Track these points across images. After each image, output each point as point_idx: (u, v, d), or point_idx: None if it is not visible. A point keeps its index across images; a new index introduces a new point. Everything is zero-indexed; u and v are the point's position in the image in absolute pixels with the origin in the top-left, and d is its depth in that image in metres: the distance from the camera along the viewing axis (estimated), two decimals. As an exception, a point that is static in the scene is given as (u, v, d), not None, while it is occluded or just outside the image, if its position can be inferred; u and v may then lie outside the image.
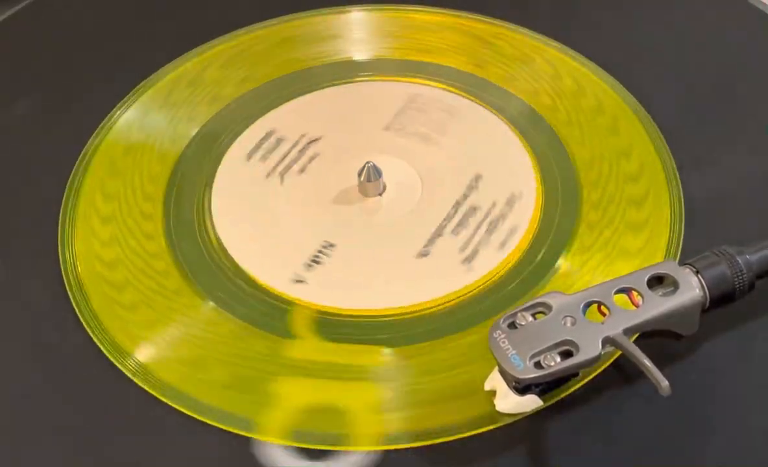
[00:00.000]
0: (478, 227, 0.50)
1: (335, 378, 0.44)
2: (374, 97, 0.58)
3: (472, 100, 0.57)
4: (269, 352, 0.46)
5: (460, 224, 0.50)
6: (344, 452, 0.42)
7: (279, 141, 0.55)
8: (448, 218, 0.51)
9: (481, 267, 0.49)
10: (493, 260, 0.49)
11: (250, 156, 0.54)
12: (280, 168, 0.53)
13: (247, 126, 0.56)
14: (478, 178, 0.53)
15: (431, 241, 0.50)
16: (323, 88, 0.58)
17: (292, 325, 0.46)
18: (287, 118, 0.56)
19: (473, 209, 0.51)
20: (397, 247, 0.50)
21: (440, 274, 0.48)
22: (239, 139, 0.55)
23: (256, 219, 0.51)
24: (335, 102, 0.58)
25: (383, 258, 0.49)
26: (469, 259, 0.49)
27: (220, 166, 0.54)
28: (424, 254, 0.49)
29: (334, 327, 0.46)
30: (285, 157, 0.54)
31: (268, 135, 0.55)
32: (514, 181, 0.53)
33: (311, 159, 0.54)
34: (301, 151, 0.54)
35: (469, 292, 0.48)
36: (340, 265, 0.49)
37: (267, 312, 0.47)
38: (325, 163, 0.54)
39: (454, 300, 0.47)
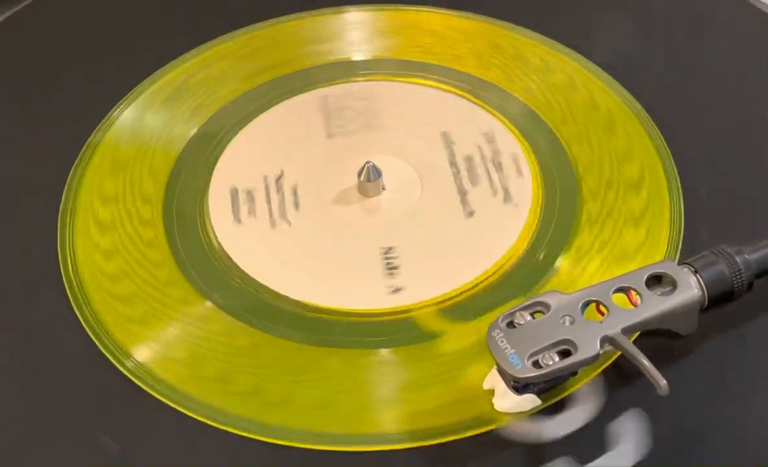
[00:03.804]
0: (487, 169, 0.53)
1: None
2: (293, 114, 0.57)
3: (392, 80, 0.59)
4: (425, 361, 0.45)
5: (471, 177, 0.52)
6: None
7: (250, 193, 0.53)
8: (458, 176, 0.52)
9: (523, 201, 0.51)
10: (524, 189, 0.52)
11: (238, 219, 0.52)
12: (277, 213, 0.52)
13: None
14: (446, 135, 0.55)
15: (464, 201, 0.51)
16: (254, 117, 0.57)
17: (428, 326, 0.46)
18: (239, 168, 0.54)
19: (469, 159, 0.53)
20: (443, 219, 0.51)
21: (497, 223, 0.50)
22: (212, 205, 0.52)
23: (307, 262, 0.50)
24: (273, 130, 0.56)
25: (442, 232, 0.50)
26: (507, 199, 0.51)
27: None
28: (470, 214, 0.51)
29: (462, 309, 0.47)
30: (269, 202, 0.52)
31: (234, 193, 0.53)
32: (479, 123, 0.55)
33: (294, 191, 0.53)
34: (278, 191, 0.53)
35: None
36: (416, 256, 0.49)
37: (388, 331, 0.46)
38: (308, 186, 0.53)
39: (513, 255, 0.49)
